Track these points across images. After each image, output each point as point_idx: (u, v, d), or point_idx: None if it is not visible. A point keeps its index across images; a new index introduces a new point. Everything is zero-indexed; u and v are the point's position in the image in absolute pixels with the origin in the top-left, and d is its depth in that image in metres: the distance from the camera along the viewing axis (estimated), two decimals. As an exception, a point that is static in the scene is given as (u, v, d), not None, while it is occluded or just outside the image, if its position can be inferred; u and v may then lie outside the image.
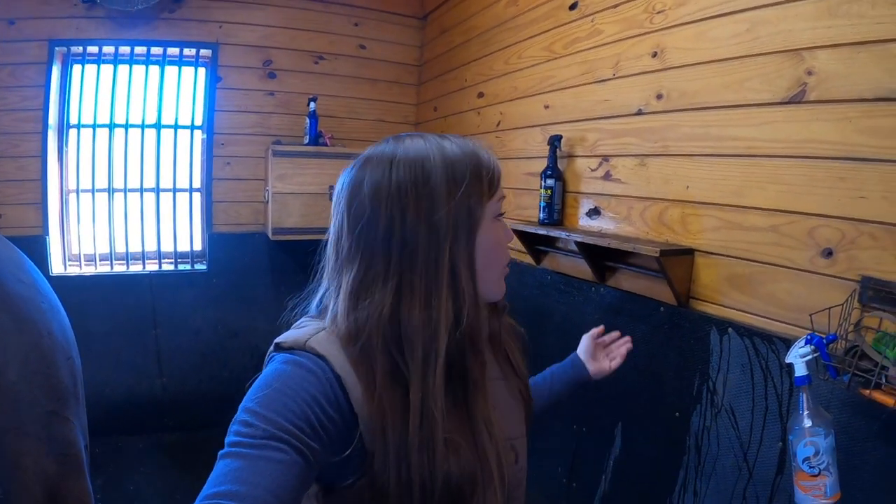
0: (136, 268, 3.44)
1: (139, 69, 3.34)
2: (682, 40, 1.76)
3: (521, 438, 0.95)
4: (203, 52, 3.40)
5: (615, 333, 1.39)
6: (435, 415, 0.75)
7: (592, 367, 1.34)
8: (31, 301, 1.06)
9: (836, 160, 1.32)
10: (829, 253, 1.35)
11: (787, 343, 1.40)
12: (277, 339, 0.79)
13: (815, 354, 1.13)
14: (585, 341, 1.37)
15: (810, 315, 1.23)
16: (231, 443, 0.67)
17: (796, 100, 1.40)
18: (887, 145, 1.22)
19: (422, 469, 0.73)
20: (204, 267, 3.55)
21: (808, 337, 1.15)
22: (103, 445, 3.22)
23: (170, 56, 3.36)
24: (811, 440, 1.05)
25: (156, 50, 3.32)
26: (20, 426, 0.95)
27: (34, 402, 0.98)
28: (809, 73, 1.37)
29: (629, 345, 1.37)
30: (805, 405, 1.09)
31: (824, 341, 1.14)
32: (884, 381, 1.05)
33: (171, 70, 3.41)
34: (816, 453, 1.04)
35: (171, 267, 3.52)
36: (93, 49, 3.21)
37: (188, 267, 3.54)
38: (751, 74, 1.53)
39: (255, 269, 3.65)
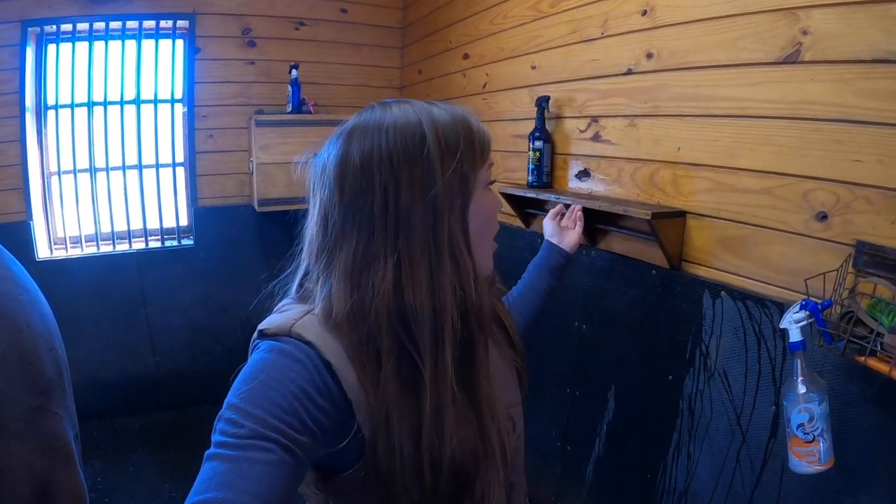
0: (122, 247, 3.39)
1: (115, 45, 3.23)
2: (671, -4, 1.70)
3: (517, 406, 0.95)
4: (180, 23, 3.28)
5: (571, 206, 1.58)
6: (447, 392, 0.73)
7: (565, 242, 1.50)
8: (7, 294, 1.00)
9: (832, 122, 1.29)
10: (823, 216, 1.33)
11: (781, 307, 1.39)
12: (261, 325, 0.76)
13: (809, 320, 1.13)
14: (547, 224, 1.55)
15: (805, 280, 1.21)
16: (216, 443, 0.65)
17: (791, 60, 1.36)
18: (884, 108, 1.18)
19: (432, 449, 0.72)
20: (191, 242, 3.50)
21: (804, 302, 1.15)
22: (101, 428, 3.25)
23: (146, 29, 3.25)
24: (806, 406, 1.06)
25: (131, 24, 3.20)
26: (2, 427, 0.90)
27: (16, 400, 0.94)
28: (805, 33, 1.32)
29: (579, 208, 1.57)
30: (799, 371, 1.09)
31: (819, 307, 1.13)
32: (879, 348, 1.04)
33: (148, 44, 3.30)
34: (811, 419, 1.05)
35: (158, 244, 3.47)
36: (66, 27, 3.09)
37: (175, 243, 3.49)
38: (744, 33, 1.48)
39: (243, 242, 3.61)
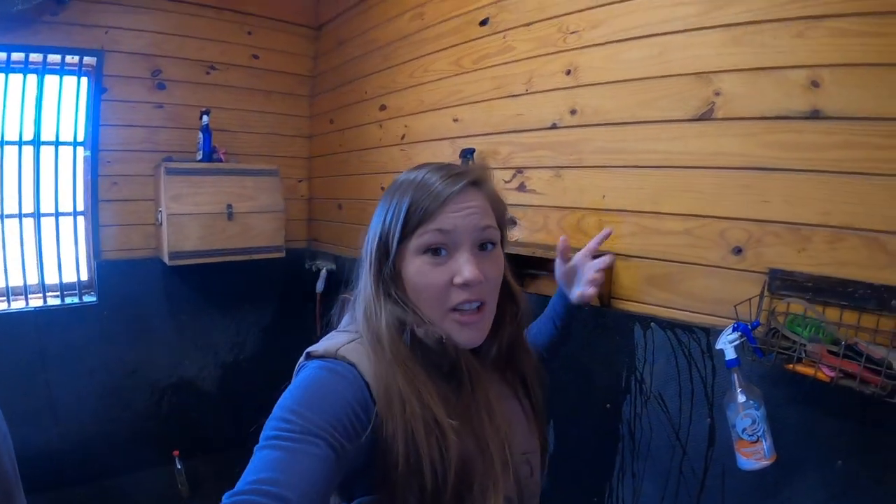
0: (18, 304, 3.16)
1: (16, 78, 3.08)
2: (595, 60, 1.97)
3: (535, 453, 1.04)
4: (87, 59, 3.21)
5: (601, 260, 1.36)
6: (423, 397, 0.85)
7: (573, 296, 1.34)
8: None
9: (743, 170, 1.58)
10: (738, 250, 1.59)
11: (707, 331, 1.64)
12: (309, 349, 0.89)
13: (741, 339, 1.36)
14: (557, 273, 1.37)
15: (735, 306, 1.46)
16: (269, 437, 0.75)
17: (706, 117, 1.65)
18: (786, 156, 1.48)
19: (431, 453, 0.82)
20: (94, 299, 3.32)
21: (735, 325, 1.38)
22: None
23: (50, 64, 3.13)
24: (747, 412, 1.28)
25: (35, 57, 3.07)
26: None
27: None
28: (717, 94, 1.62)
29: (605, 261, 1.35)
30: (738, 383, 1.32)
31: (750, 327, 1.37)
32: (804, 355, 1.29)
33: (51, 80, 3.18)
34: (753, 423, 1.27)
35: (58, 301, 3.25)
36: None
37: (76, 300, 3.29)
38: (663, 94, 1.76)
39: (151, 298, 3.47)
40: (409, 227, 0.91)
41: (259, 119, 3.81)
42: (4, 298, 3.16)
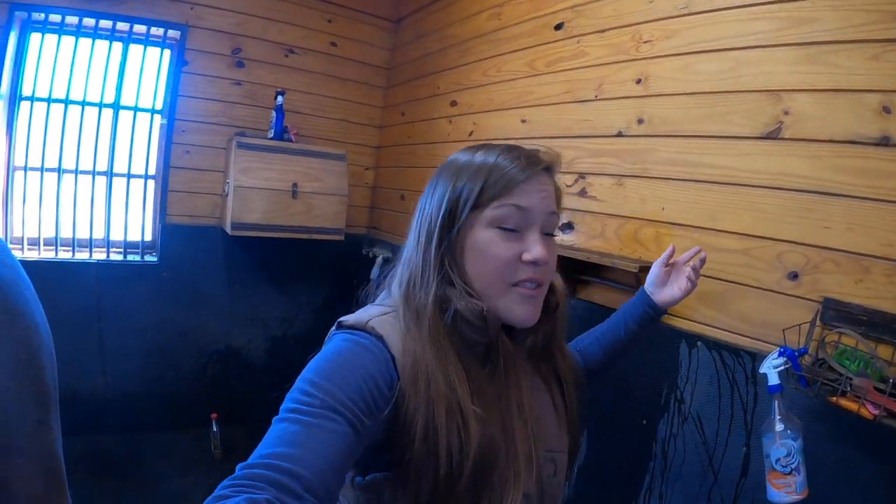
0: (82, 256, 3.37)
1: (102, 44, 3.29)
2: (667, 70, 1.96)
3: (562, 454, 1.03)
4: (171, 32, 3.39)
5: (689, 253, 1.44)
6: (451, 379, 0.86)
7: (659, 296, 1.41)
8: (15, 285, 0.87)
9: (806, 193, 1.54)
10: (794, 276, 1.56)
11: (754, 356, 1.61)
12: (341, 319, 0.91)
13: (786, 365, 1.34)
14: (654, 269, 1.43)
15: (783, 330, 1.43)
16: (288, 409, 0.75)
17: (773, 136, 1.62)
18: (852, 182, 1.44)
19: (450, 436, 0.82)
20: (154, 259, 3.50)
21: (781, 349, 1.36)
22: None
23: (136, 34, 3.33)
24: (783, 442, 1.25)
25: (122, 25, 3.27)
26: (9, 443, 0.81)
27: (23, 412, 0.84)
28: (786, 113, 1.59)
29: (702, 256, 1.43)
30: (778, 411, 1.29)
31: (796, 353, 1.34)
32: (849, 389, 1.26)
33: (135, 49, 3.38)
34: (788, 454, 1.24)
35: (120, 257, 3.45)
36: (55, 17, 3.14)
37: (138, 258, 3.49)
38: (732, 109, 1.74)
39: (209, 265, 3.62)
40: (486, 196, 0.93)
41: (332, 104, 3.92)
42: (70, 249, 3.36)
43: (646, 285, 1.44)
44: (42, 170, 3.27)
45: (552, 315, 1.05)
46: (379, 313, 0.92)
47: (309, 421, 0.73)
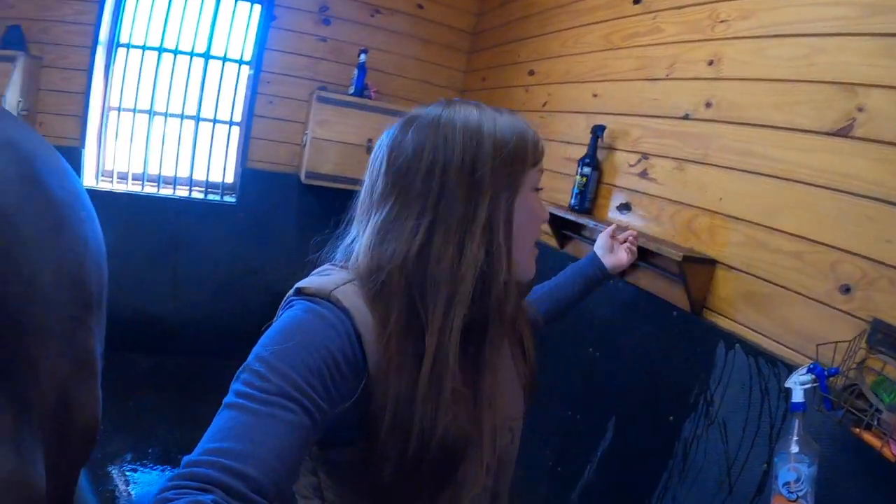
0: (166, 192, 3.53)
1: None
2: (740, 52, 1.77)
3: (519, 420, 0.97)
4: (262, -13, 3.43)
5: (631, 231, 1.56)
6: (447, 362, 0.76)
7: (609, 261, 1.48)
8: (71, 206, 1.10)
9: (870, 199, 1.35)
10: (846, 289, 1.38)
11: (791, 368, 1.44)
12: (300, 284, 0.79)
13: (814, 384, 1.18)
14: (602, 238, 1.51)
15: (817, 345, 1.27)
16: (239, 392, 0.66)
17: (842, 133, 1.42)
18: (924, 194, 1.24)
19: (423, 418, 0.74)
20: (233, 200, 3.62)
21: (811, 366, 1.20)
22: (109, 359, 3.33)
23: None
24: (795, 466, 1.11)
25: None
26: (45, 328, 0.98)
27: (63, 305, 1.02)
28: (860, 110, 1.39)
29: (635, 235, 1.55)
30: (796, 431, 1.14)
31: (826, 373, 1.19)
32: (876, 423, 1.10)
33: (226, 2, 3.44)
34: (798, 479, 1.10)
35: (201, 196, 3.60)
36: None
37: (217, 198, 3.61)
38: (802, 99, 1.54)
39: (283, 209, 3.71)
40: (531, 159, 0.86)
41: (414, 65, 3.84)
42: (156, 184, 3.53)
43: (595, 249, 1.51)
44: (134, 111, 3.43)
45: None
46: (342, 280, 0.79)
47: (260, 410, 0.64)
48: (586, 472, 2.15)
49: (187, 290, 3.60)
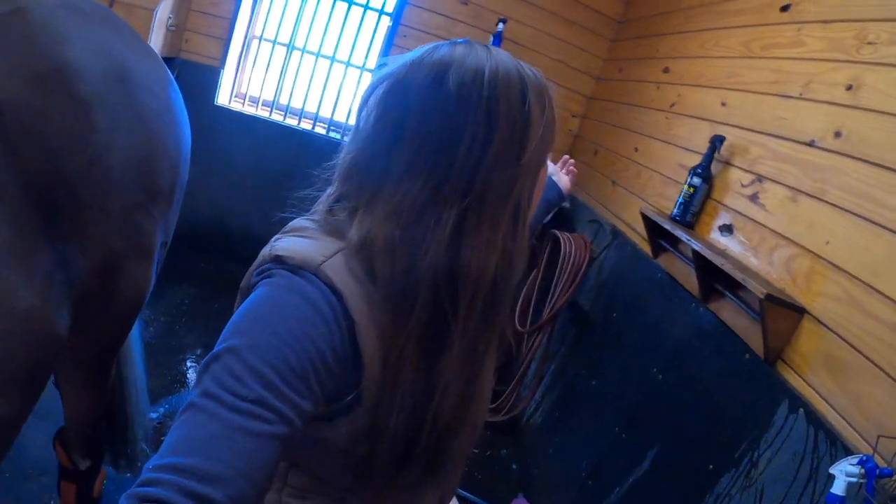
0: (291, 122, 3.60)
1: None
2: (883, 81, 1.47)
3: (489, 394, 0.84)
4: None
5: (570, 160, 1.53)
6: (461, 363, 0.67)
7: (562, 184, 1.44)
8: (156, 112, 1.19)
9: None
10: (940, 380, 1.12)
11: (849, 452, 1.20)
12: (279, 250, 0.64)
13: (861, 480, 0.97)
14: (551, 165, 1.43)
15: (878, 436, 1.04)
16: (209, 393, 0.54)
17: (982, 196, 1.13)
18: None
19: (436, 416, 0.65)
20: (357, 141, 3.64)
21: (864, 458, 0.99)
22: (210, 264, 3.52)
23: None
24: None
25: None
26: (101, 205, 1.04)
27: (124, 189, 1.09)
28: None
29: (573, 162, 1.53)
30: (823, 527, 0.95)
31: (877, 472, 0.97)
32: (913, 548, 0.87)
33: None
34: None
35: (323, 132, 3.64)
36: None
37: (338, 136, 3.63)
38: (945, 147, 1.25)
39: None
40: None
41: (553, 44, 3.63)
42: (283, 114, 3.62)
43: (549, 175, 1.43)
44: (274, 42, 3.50)
45: None
46: (331, 251, 0.64)
47: (231, 419, 0.52)
48: (613, 493, 1.97)
49: (293, 218, 3.63)
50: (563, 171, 1.50)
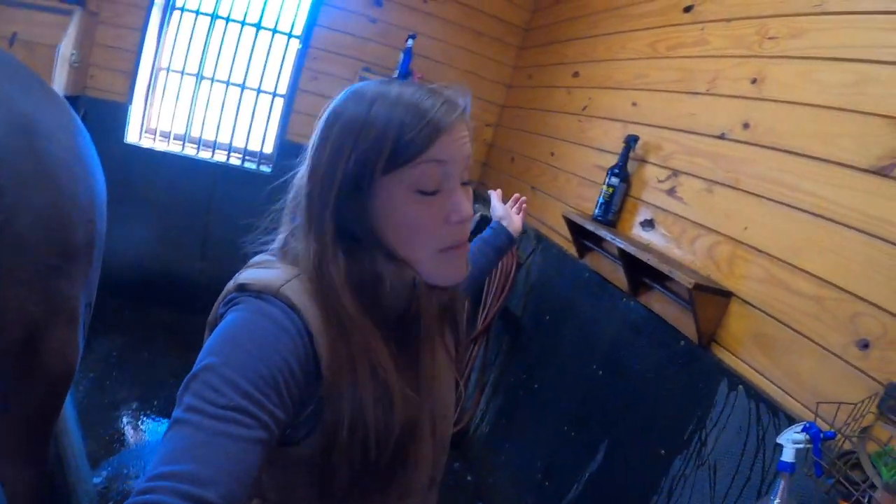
0: (204, 154, 3.49)
1: None
2: (785, 74, 1.58)
3: (452, 406, 0.92)
4: (317, -36, 3.34)
5: (522, 197, 1.56)
6: (381, 360, 0.71)
7: (511, 226, 1.47)
8: (63, 161, 1.09)
9: (905, 250, 1.16)
10: (865, 345, 1.20)
11: (792, 421, 1.28)
12: (242, 280, 0.71)
13: (807, 445, 1.03)
14: (499, 206, 1.51)
15: (817, 403, 1.11)
16: (190, 407, 0.59)
17: (884, 172, 1.24)
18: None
19: (377, 420, 0.69)
20: (269, 170, 3.55)
21: (807, 425, 1.05)
22: (134, 311, 3.36)
23: None
24: (774, 529, 0.96)
25: None
26: (14, 272, 0.97)
27: (38, 253, 1.01)
28: (907, 148, 1.20)
29: (524, 199, 1.56)
30: (780, 493, 1.01)
31: (821, 435, 1.03)
32: (866, 500, 0.93)
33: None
34: (773, 545, 0.95)
35: (238, 162, 3.55)
36: None
37: (254, 166, 3.56)
38: (845, 131, 1.36)
39: (318, 184, 3.64)
40: (401, 155, 0.70)
41: (463, 56, 3.70)
42: (195, 146, 3.49)
43: (497, 219, 1.48)
44: (183, 73, 3.40)
45: None
46: (287, 276, 0.71)
47: (214, 426, 0.57)
48: (572, 490, 2.01)
49: (215, 252, 3.53)
50: (515, 209, 1.52)
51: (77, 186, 1.13)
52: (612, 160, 2.24)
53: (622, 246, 1.92)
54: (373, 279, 0.73)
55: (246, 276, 0.72)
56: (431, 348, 0.80)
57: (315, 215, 0.74)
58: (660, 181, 2.06)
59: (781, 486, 1.01)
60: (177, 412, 0.59)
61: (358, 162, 0.71)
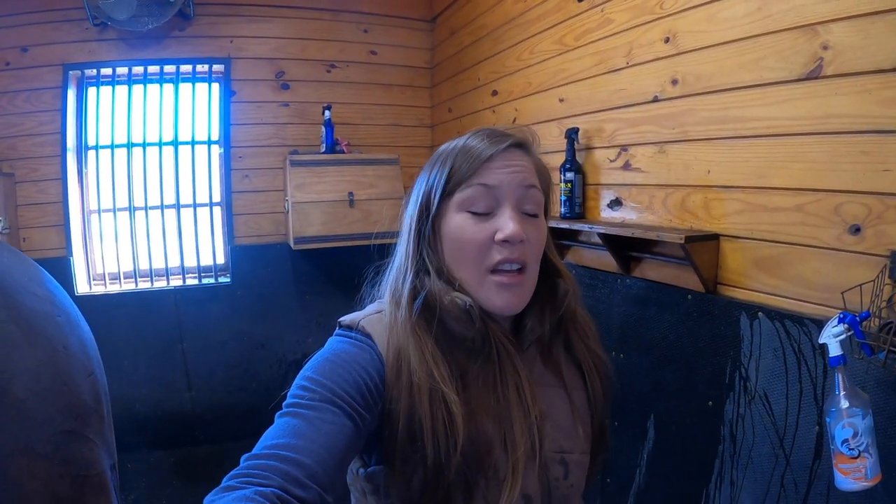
0: (160, 284, 3.50)
1: (154, 88, 3.41)
2: (693, 23, 1.75)
3: (575, 454, 0.92)
4: (216, 67, 3.46)
5: None
6: (431, 369, 0.81)
7: None
8: (45, 314, 1.00)
9: (859, 134, 1.30)
10: (856, 229, 1.33)
11: (819, 324, 1.38)
12: (341, 318, 0.89)
13: (848, 333, 1.12)
14: None
15: (842, 293, 1.21)
16: (289, 404, 0.74)
17: (814, 75, 1.39)
18: (910, 114, 1.20)
19: (435, 423, 0.79)
20: (228, 280, 3.59)
21: (841, 315, 1.14)
22: (135, 461, 3.28)
23: (183, 73, 3.43)
24: (849, 421, 1.05)
25: (169, 68, 3.39)
26: (29, 447, 0.87)
27: (47, 420, 0.91)
28: (825, 48, 1.35)
29: None
30: (841, 386, 1.08)
31: (858, 319, 1.13)
32: (921, 353, 1.04)
33: (185, 87, 3.48)
34: (855, 434, 1.03)
35: (196, 281, 3.57)
36: (106, 71, 3.29)
37: (212, 280, 3.59)
38: (766, 53, 1.51)
39: (279, 279, 3.68)
40: (452, 182, 0.88)
41: (380, 111, 3.85)
42: (148, 279, 3.50)
43: None
44: (114, 210, 3.42)
45: (559, 303, 0.93)
46: (372, 311, 0.90)
47: (308, 414, 0.72)
48: (637, 477, 2.06)
49: (200, 377, 3.54)
50: None
51: (67, 338, 1.03)
52: (560, 158, 2.36)
53: (603, 230, 2.03)
54: (430, 297, 0.85)
55: (345, 317, 0.90)
56: (517, 375, 0.86)
57: (403, 243, 0.94)
58: (612, 161, 2.20)
59: (840, 380, 1.09)
60: (278, 413, 0.74)
61: (426, 191, 0.91)
